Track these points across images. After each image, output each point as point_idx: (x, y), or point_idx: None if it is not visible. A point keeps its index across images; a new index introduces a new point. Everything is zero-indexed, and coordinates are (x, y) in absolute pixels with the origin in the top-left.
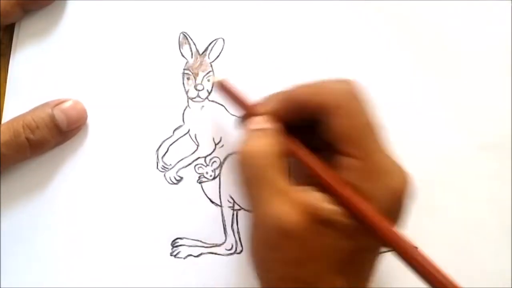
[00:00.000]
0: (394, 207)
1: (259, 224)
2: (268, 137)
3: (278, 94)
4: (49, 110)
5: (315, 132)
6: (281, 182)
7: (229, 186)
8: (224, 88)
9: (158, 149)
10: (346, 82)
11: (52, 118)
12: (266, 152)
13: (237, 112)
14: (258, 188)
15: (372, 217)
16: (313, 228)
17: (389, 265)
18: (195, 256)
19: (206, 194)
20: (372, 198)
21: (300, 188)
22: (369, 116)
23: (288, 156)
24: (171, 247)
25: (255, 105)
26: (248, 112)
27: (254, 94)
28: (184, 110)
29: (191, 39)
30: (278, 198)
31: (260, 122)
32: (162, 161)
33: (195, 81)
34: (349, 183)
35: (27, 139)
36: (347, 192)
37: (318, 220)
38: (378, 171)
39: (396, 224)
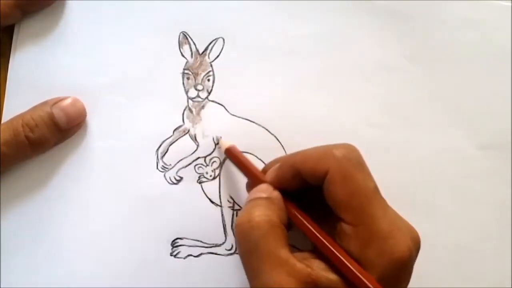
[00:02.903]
0: (396, 274)
1: None
2: (266, 207)
3: (281, 159)
4: (48, 109)
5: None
6: (280, 251)
7: (229, 186)
8: (231, 154)
9: (158, 149)
10: (343, 148)
11: (51, 116)
12: (263, 222)
13: (245, 177)
14: (256, 259)
15: (369, 286)
16: None
17: None
18: (195, 256)
19: (206, 194)
20: (370, 266)
21: (300, 255)
22: (366, 181)
23: (288, 223)
24: (171, 247)
25: (259, 173)
26: (252, 179)
27: (253, 94)
28: (184, 110)
29: (191, 39)
30: (276, 269)
31: (261, 191)
32: (162, 161)
33: (195, 81)
34: (349, 251)
35: (27, 137)
36: (343, 261)
37: None
38: (375, 238)
39: None
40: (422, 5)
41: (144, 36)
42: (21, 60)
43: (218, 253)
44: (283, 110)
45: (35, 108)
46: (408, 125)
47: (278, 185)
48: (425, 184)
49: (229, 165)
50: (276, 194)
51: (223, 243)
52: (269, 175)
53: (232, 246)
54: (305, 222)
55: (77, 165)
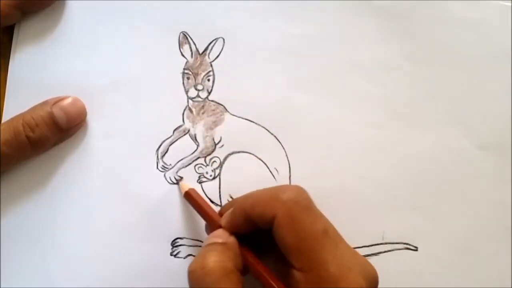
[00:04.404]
0: None
1: None
2: (221, 252)
3: (235, 202)
4: (48, 108)
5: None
6: None
7: (229, 186)
8: (190, 197)
9: (158, 149)
10: (291, 191)
11: (51, 116)
12: (217, 268)
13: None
14: None
15: None
16: None
17: (389, 265)
18: (195, 256)
19: (206, 194)
20: None
21: None
22: (314, 224)
23: (243, 268)
24: (171, 247)
25: (216, 217)
26: (209, 223)
27: (253, 94)
28: (184, 110)
29: (191, 39)
30: None
31: (216, 236)
32: (162, 161)
33: (195, 81)
34: None
35: (27, 137)
36: None
37: None
38: (325, 283)
39: None
40: (422, 5)
41: (144, 36)
42: (21, 60)
43: None
44: (283, 110)
45: (35, 107)
46: (408, 125)
47: (232, 230)
48: (425, 184)
49: (229, 165)
50: (231, 240)
51: None
52: (224, 219)
53: None
54: (258, 268)
55: (77, 165)
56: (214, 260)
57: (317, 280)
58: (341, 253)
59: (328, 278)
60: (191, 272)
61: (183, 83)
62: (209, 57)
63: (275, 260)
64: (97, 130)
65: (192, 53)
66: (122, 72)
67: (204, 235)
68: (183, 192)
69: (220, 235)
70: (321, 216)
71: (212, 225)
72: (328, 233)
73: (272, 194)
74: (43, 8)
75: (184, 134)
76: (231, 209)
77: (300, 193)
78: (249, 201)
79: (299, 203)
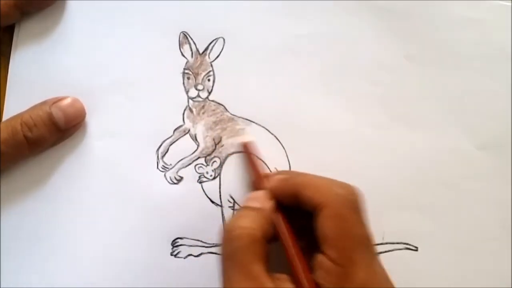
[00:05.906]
0: None
1: None
2: (252, 219)
3: (290, 173)
4: (47, 108)
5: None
6: (253, 266)
7: (229, 186)
8: (245, 150)
9: (158, 149)
10: (346, 188)
11: (50, 116)
12: (245, 235)
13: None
14: (230, 267)
15: None
16: None
17: (389, 265)
18: (195, 256)
19: (206, 194)
20: None
21: (277, 275)
22: (359, 228)
23: (273, 236)
24: (171, 247)
25: (263, 177)
26: (255, 180)
27: (253, 94)
28: (184, 110)
29: (191, 39)
30: (245, 282)
31: (255, 199)
32: (162, 161)
33: (195, 81)
34: (321, 285)
35: (25, 137)
36: None
37: None
38: (352, 283)
39: None
40: (422, 5)
41: (144, 36)
42: (21, 59)
43: (218, 253)
44: (283, 110)
45: (34, 107)
46: (408, 125)
47: (275, 196)
48: (425, 184)
49: (229, 165)
50: (268, 205)
51: None
52: (271, 182)
53: None
54: (287, 242)
55: (77, 165)
56: (244, 226)
57: (345, 277)
58: (374, 265)
59: (355, 279)
60: (224, 231)
61: (183, 83)
62: (209, 57)
63: (302, 238)
64: (97, 130)
65: (192, 53)
66: (122, 72)
67: (204, 235)
68: (242, 142)
69: (258, 198)
70: (366, 223)
71: (256, 183)
72: (369, 241)
73: (328, 183)
74: (43, 8)
75: (185, 134)
76: (285, 176)
77: (354, 193)
78: (304, 180)
79: (351, 202)
